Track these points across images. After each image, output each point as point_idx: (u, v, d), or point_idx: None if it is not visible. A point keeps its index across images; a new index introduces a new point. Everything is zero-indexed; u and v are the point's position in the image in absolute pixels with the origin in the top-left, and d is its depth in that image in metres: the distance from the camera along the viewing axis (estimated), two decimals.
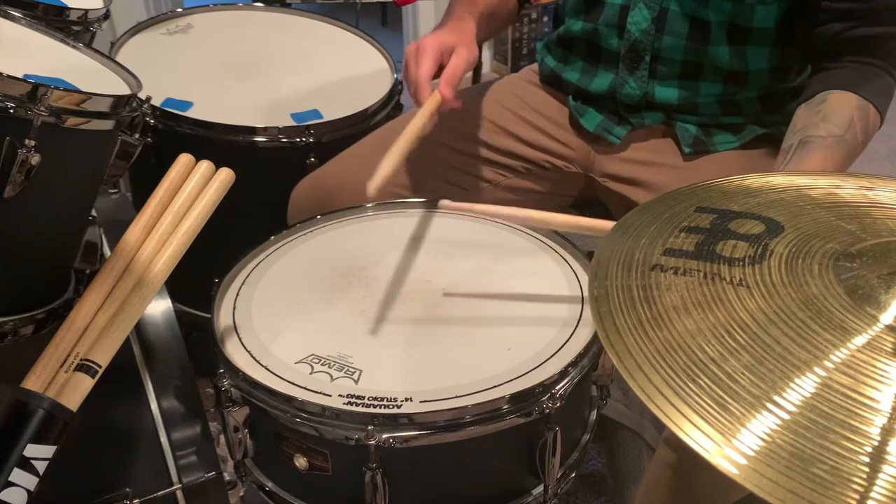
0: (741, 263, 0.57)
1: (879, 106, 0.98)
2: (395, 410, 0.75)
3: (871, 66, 0.99)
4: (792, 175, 0.72)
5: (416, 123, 0.97)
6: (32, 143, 0.67)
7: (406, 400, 0.76)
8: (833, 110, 0.96)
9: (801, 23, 1.03)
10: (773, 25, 1.04)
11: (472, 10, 1.15)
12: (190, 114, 1.30)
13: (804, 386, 0.47)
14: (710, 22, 1.04)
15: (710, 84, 1.09)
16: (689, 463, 0.88)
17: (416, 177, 1.16)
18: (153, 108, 1.28)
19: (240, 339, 0.85)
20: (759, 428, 0.45)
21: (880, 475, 0.42)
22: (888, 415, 0.45)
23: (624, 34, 1.10)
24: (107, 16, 1.15)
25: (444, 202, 1.04)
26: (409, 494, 0.80)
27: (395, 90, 1.43)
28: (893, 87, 1.00)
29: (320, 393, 0.77)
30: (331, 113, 1.34)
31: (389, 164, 0.90)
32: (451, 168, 1.18)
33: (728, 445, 0.44)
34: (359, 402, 0.76)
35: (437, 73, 1.02)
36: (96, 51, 0.90)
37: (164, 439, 0.86)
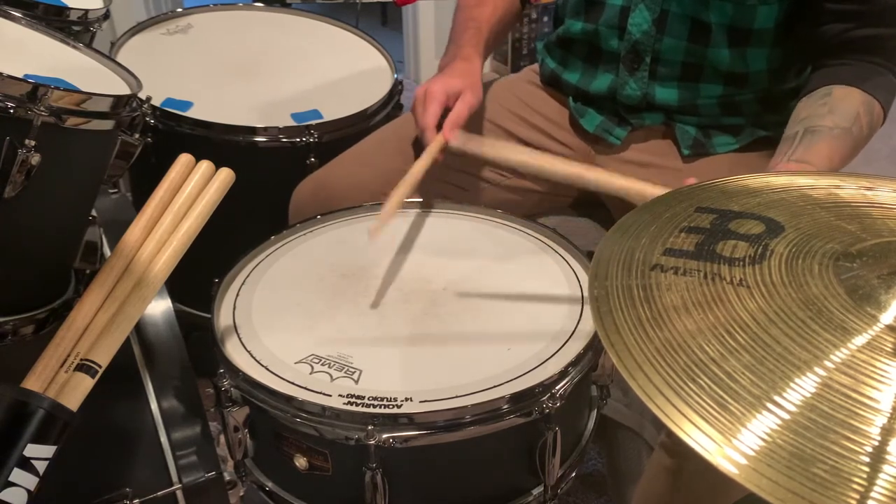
0: (741, 263, 0.57)
1: (883, 102, 0.98)
2: (395, 410, 0.75)
3: (875, 64, 0.99)
4: (792, 175, 0.72)
5: (420, 166, 1.01)
6: (32, 143, 0.67)
7: (406, 400, 0.76)
8: (839, 103, 0.96)
9: (803, 24, 1.03)
10: (774, 26, 1.04)
11: (479, 40, 1.16)
12: (190, 114, 1.30)
13: (804, 386, 0.47)
14: (710, 23, 1.04)
15: (710, 85, 1.09)
16: (685, 467, 0.88)
17: None
18: (153, 108, 1.28)
19: (240, 339, 0.85)
20: (760, 428, 0.45)
21: (881, 475, 0.42)
22: (888, 415, 0.45)
23: (624, 35, 1.10)
24: (107, 16, 1.15)
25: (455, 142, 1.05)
26: (409, 494, 0.80)
27: (395, 90, 1.43)
28: (895, 84, 1.01)
29: (320, 393, 0.77)
30: (331, 113, 1.34)
31: (394, 207, 0.95)
32: (450, 168, 1.18)
33: (728, 445, 0.44)
34: (359, 402, 0.76)
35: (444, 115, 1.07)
36: (96, 51, 0.90)
37: (164, 439, 0.86)
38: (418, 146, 1.17)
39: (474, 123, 1.19)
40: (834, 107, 0.96)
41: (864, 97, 0.97)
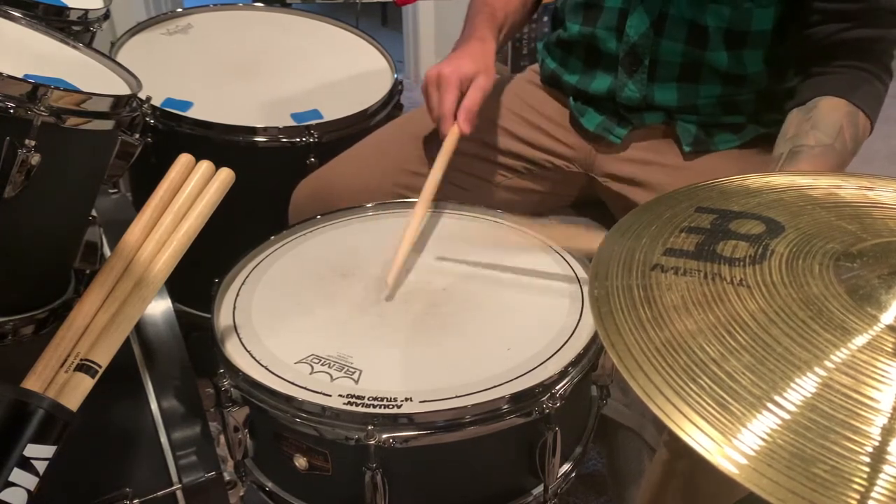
0: (741, 263, 0.57)
1: (869, 112, 0.98)
2: (395, 410, 0.75)
3: (862, 70, 0.99)
4: (792, 175, 0.72)
5: (438, 169, 1.02)
6: (32, 143, 0.67)
7: (406, 400, 0.76)
8: (823, 118, 0.96)
9: (795, 25, 1.03)
10: (771, 28, 1.04)
11: (493, 22, 1.16)
12: (190, 114, 1.30)
13: (805, 386, 0.47)
14: (707, 26, 1.04)
15: (708, 86, 1.09)
16: (688, 466, 0.88)
17: (417, 177, 1.16)
18: (153, 108, 1.28)
19: (240, 339, 0.85)
20: (760, 428, 0.45)
21: (881, 475, 0.42)
22: (889, 415, 0.45)
23: (623, 38, 1.10)
24: (107, 16, 1.15)
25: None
26: (409, 494, 0.80)
27: (395, 90, 1.43)
28: (883, 91, 1.01)
29: (320, 393, 0.77)
30: (331, 113, 1.34)
31: (408, 246, 0.95)
32: (451, 168, 1.18)
33: (729, 445, 0.44)
34: (359, 402, 0.76)
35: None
36: (96, 51, 0.90)
37: (164, 439, 0.86)
38: (418, 145, 1.17)
39: (476, 124, 1.19)
40: (817, 122, 0.96)
41: (849, 109, 0.97)
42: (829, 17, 0.99)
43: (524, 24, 1.28)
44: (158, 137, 1.27)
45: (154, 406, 0.87)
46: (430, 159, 1.11)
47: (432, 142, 1.17)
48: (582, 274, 0.95)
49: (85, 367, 0.74)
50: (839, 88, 0.98)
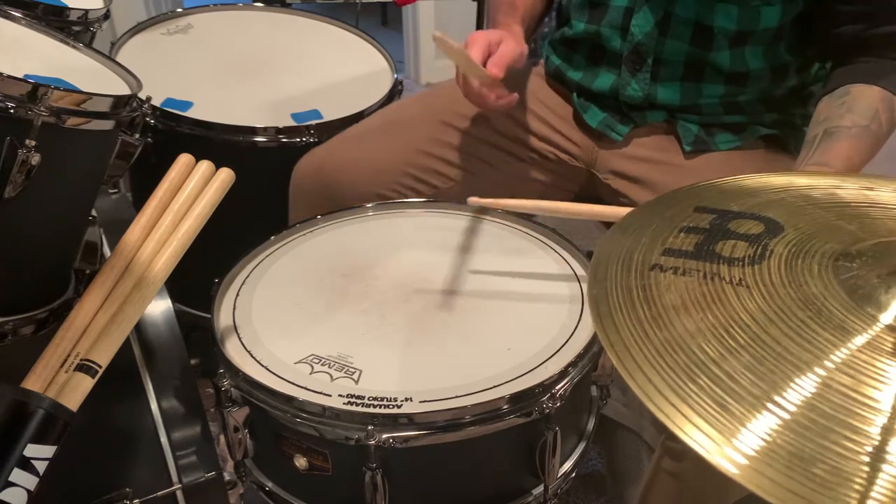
0: (741, 263, 0.57)
1: None
2: (395, 410, 0.75)
3: (892, 59, 1.00)
4: (792, 175, 0.72)
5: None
6: (32, 143, 0.67)
7: (406, 400, 0.76)
8: (857, 101, 0.97)
9: (821, 25, 1.04)
10: (777, 26, 1.04)
11: (514, 14, 1.16)
12: (190, 114, 1.30)
13: (804, 386, 0.47)
14: (713, 27, 1.04)
15: (711, 85, 1.10)
16: (688, 468, 0.88)
17: (431, 159, 1.16)
18: (153, 108, 1.28)
19: (240, 339, 0.85)
20: (760, 428, 0.45)
21: (881, 475, 0.42)
22: (888, 414, 0.45)
23: (627, 36, 1.10)
24: (107, 16, 1.15)
25: (472, 199, 1.02)
26: (409, 494, 0.80)
27: (395, 90, 1.43)
28: None
29: (320, 393, 0.77)
30: (331, 113, 1.34)
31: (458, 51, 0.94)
32: (455, 150, 1.18)
33: (728, 445, 0.44)
34: (359, 402, 0.76)
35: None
36: (96, 51, 0.90)
37: (164, 439, 0.86)
38: (421, 128, 1.17)
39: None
40: (852, 105, 0.97)
41: (882, 94, 0.97)
42: (851, 18, 1.00)
43: (544, 16, 1.28)
44: (158, 137, 1.27)
45: (154, 406, 0.87)
46: (447, 143, 1.11)
47: (450, 124, 1.17)
48: (582, 273, 0.95)
49: (85, 367, 0.74)
50: (871, 75, 0.99)
